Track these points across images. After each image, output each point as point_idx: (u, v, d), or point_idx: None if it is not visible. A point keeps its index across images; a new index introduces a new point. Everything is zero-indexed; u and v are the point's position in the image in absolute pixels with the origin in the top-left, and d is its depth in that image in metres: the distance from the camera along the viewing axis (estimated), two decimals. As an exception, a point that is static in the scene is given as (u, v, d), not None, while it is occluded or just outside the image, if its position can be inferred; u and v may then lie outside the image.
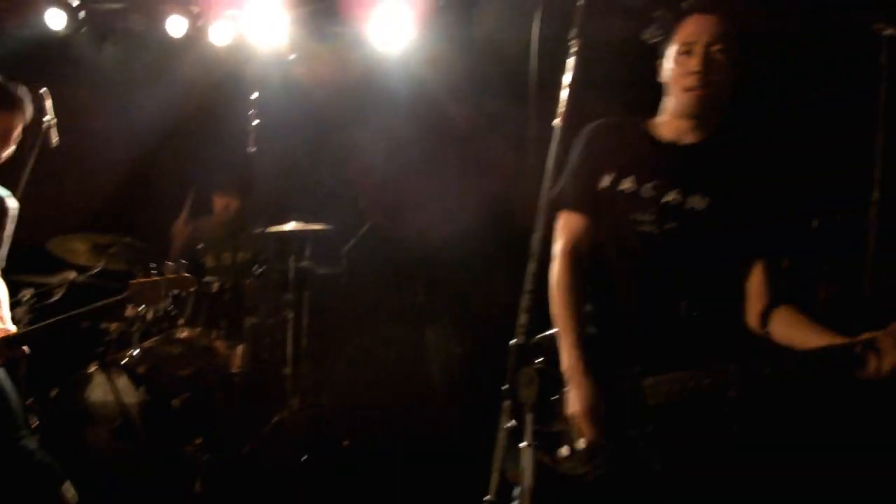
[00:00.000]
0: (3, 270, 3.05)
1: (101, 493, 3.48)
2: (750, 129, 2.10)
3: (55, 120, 3.25)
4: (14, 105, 2.88)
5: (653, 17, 1.78)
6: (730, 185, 2.02)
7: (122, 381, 3.83)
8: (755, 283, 2.03)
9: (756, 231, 2.02)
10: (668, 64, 2.02)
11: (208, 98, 5.35)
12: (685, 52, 1.99)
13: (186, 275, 3.23)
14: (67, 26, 4.96)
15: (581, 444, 1.97)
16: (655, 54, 1.94)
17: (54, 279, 4.07)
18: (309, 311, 4.57)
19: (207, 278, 4.25)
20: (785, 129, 2.01)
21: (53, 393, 3.93)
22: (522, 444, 1.67)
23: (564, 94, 1.55)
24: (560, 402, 2.00)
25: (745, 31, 2.03)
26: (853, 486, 2.99)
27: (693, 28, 1.99)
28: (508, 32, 1.86)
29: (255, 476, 3.95)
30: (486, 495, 1.64)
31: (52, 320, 3.03)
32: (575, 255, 2.14)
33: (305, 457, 3.98)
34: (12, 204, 2.99)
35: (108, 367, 3.87)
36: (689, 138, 2.07)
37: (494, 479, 1.66)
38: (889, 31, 3.25)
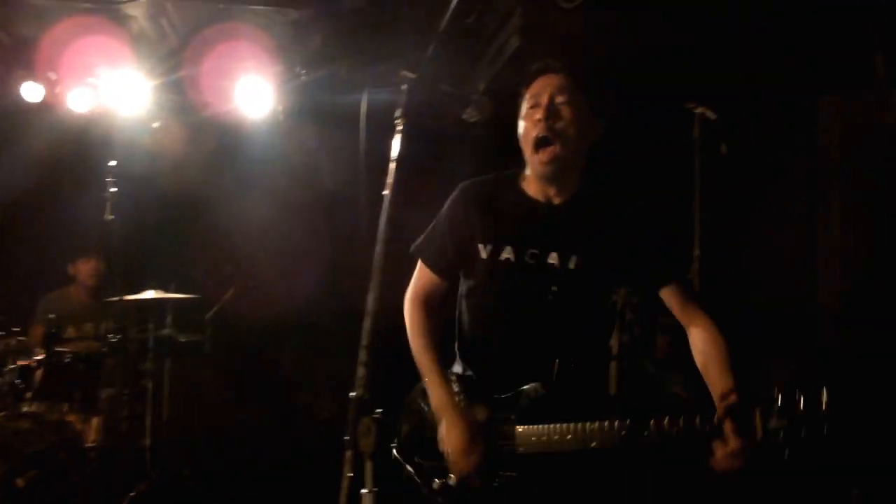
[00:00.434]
0: None
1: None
2: (606, 188, 2.17)
3: None
4: None
5: (471, 100, 1.95)
6: (600, 241, 2.08)
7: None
8: (674, 311, 2.11)
9: (642, 274, 2.11)
10: (520, 123, 2.08)
11: (68, 165, 5.28)
12: (532, 105, 2.06)
13: None
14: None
15: (452, 480, 2.04)
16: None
17: None
18: (170, 379, 4.49)
19: (59, 348, 4.10)
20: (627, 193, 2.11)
21: None
22: (363, 491, 1.74)
23: (392, 166, 1.71)
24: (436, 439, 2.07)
25: (596, 92, 2.10)
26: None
27: (539, 84, 2.08)
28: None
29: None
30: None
31: None
32: (424, 300, 2.23)
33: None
34: None
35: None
36: (557, 198, 2.12)
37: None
38: (700, 110, 3.69)
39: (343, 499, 1.72)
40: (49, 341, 3.96)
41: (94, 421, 4.07)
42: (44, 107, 5.02)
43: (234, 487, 4.47)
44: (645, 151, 4.22)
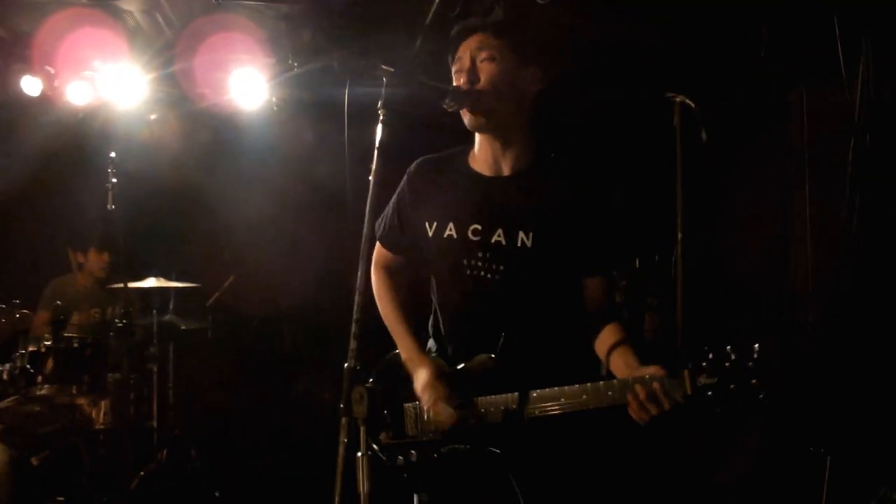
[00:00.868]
0: None
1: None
2: (564, 162, 2.14)
3: None
4: None
5: (449, 90, 2.02)
6: (550, 217, 2.06)
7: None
8: (587, 301, 2.12)
9: (578, 259, 2.10)
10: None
11: (68, 156, 5.38)
12: (457, 70, 2.09)
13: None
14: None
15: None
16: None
17: None
18: (174, 364, 4.64)
19: (67, 334, 4.24)
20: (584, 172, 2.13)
21: None
22: (358, 454, 1.85)
23: (375, 154, 1.88)
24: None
25: (522, 40, 2.08)
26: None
27: (462, 48, 2.09)
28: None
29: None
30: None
31: None
32: (384, 270, 2.35)
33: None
34: None
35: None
36: (507, 170, 2.12)
37: (338, 487, 1.81)
38: (679, 98, 3.83)
39: (340, 462, 1.82)
40: (56, 327, 4.08)
41: (103, 404, 4.21)
42: (43, 100, 5.11)
43: (238, 466, 4.64)
44: (627, 139, 4.37)
